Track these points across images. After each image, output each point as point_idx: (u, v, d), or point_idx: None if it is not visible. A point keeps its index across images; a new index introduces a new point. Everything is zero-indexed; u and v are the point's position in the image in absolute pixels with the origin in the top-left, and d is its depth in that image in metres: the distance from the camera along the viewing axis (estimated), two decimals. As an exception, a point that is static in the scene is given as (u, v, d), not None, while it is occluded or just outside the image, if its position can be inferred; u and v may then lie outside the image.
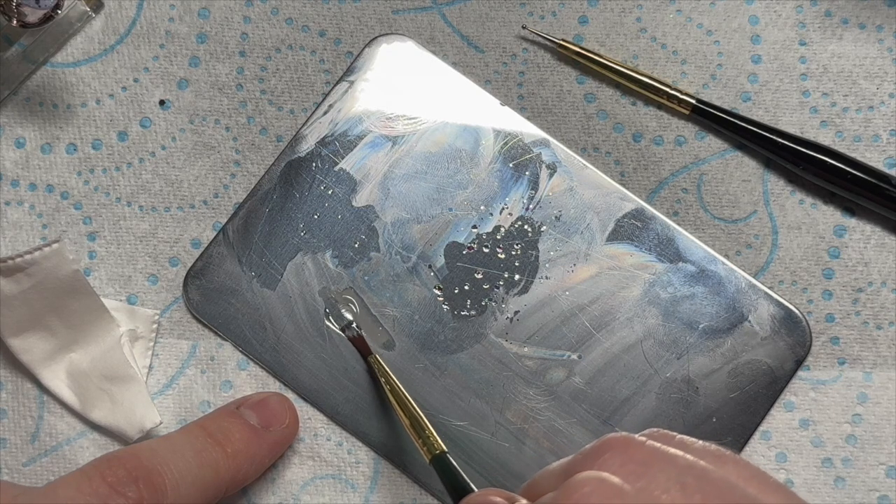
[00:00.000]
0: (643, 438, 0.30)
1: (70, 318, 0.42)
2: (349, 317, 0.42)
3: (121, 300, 0.43)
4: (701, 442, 0.30)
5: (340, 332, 0.42)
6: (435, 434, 0.39)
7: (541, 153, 0.43)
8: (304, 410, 0.42)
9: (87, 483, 0.36)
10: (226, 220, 0.43)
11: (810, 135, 0.44)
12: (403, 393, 0.40)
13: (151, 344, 0.43)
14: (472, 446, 0.42)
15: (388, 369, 0.41)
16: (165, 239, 0.44)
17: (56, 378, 0.42)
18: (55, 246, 0.40)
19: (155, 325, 0.43)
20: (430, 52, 0.44)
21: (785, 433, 0.43)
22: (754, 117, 0.44)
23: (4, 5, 0.40)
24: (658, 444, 0.29)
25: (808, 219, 0.44)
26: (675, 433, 0.30)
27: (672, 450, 0.29)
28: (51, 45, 0.44)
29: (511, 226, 0.43)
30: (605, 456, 0.29)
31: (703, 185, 0.44)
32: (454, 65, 0.44)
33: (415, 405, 0.40)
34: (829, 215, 0.44)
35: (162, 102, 0.44)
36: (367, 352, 0.42)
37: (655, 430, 0.31)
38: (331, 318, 0.42)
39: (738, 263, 0.43)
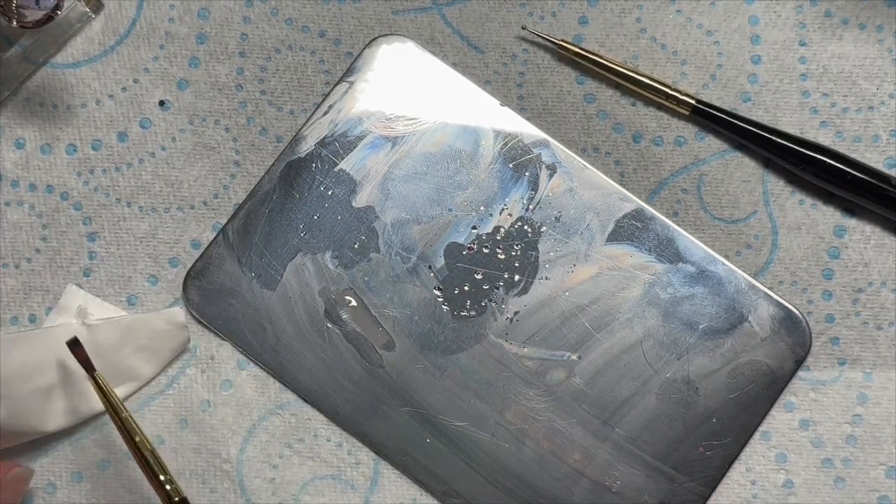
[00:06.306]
0: None
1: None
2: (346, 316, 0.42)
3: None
4: None
5: (340, 333, 0.42)
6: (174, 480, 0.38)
7: (540, 154, 0.43)
8: (304, 411, 0.42)
9: None
10: (226, 220, 0.43)
11: (810, 135, 0.44)
12: (130, 420, 0.38)
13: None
14: (471, 447, 0.42)
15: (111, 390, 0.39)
16: (165, 240, 0.43)
17: None
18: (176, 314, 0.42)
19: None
20: (430, 52, 0.44)
21: (785, 433, 0.43)
22: (754, 118, 0.43)
23: (4, 6, 0.40)
24: None
25: (807, 219, 0.43)
26: None
27: None
28: (50, 46, 0.44)
29: (511, 226, 0.43)
30: None
31: (702, 186, 0.44)
32: (454, 65, 0.44)
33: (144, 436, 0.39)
34: (828, 216, 0.43)
35: (162, 103, 0.44)
36: (89, 367, 0.39)
37: None
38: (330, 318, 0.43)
39: (738, 264, 0.43)
